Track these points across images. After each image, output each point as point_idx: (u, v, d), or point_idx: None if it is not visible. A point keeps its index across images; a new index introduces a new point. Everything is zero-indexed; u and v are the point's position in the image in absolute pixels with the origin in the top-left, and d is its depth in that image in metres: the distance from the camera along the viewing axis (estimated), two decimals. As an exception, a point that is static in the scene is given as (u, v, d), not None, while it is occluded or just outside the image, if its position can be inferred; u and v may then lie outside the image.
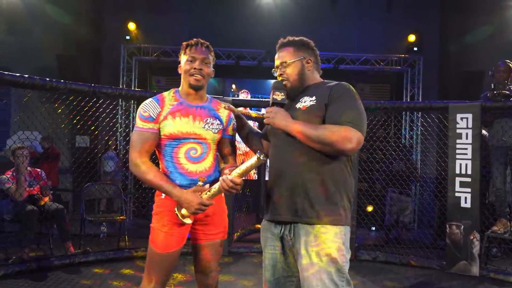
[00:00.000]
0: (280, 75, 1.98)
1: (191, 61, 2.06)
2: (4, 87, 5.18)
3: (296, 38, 2.03)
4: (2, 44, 7.38)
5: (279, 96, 1.90)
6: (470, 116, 4.55)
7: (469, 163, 4.51)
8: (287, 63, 1.97)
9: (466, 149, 4.54)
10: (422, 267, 4.70)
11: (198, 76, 2.05)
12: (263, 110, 8.05)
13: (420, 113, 6.93)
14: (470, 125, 4.54)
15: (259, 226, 6.14)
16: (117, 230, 5.35)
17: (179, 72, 2.13)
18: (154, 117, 2.03)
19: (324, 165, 1.82)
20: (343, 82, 1.90)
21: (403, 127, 7.78)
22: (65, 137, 5.91)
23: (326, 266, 1.75)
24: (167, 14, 8.01)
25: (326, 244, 1.76)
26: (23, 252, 4.22)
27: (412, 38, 7.93)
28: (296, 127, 1.79)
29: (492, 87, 4.54)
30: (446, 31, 8.19)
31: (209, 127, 2.10)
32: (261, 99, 6.38)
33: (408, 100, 7.95)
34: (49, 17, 7.39)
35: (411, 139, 7.64)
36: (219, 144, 2.23)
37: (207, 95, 2.21)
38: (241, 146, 6.58)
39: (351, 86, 1.89)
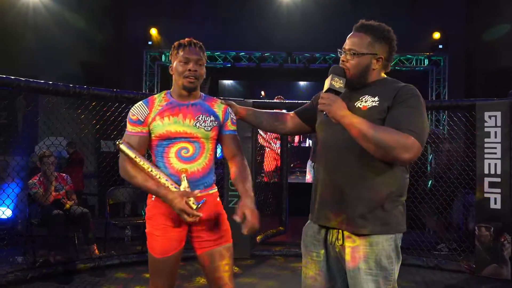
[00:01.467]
0: (342, 61, 1.77)
1: (185, 62, 1.98)
2: (32, 94, 5.34)
3: (379, 25, 1.78)
4: (29, 53, 7.58)
5: (338, 83, 1.69)
6: (498, 114, 4.40)
7: (499, 162, 4.36)
8: (356, 52, 1.74)
9: (495, 148, 4.39)
10: (450, 270, 4.56)
11: (192, 78, 1.99)
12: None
13: (446, 112, 6.76)
14: (499, 124, 4.38)
15: (282, 228, 6.11)
16: (141, 233, 5.40)
17: (170, 73, 2.07)
18: (142, 120, 1.99)
19: (380, 168, 1.67)
20: (411, 85, 1.73)
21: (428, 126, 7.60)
22: (90, 142, 6.02)
23: (374, 274, 1.67)
24: (188, 19, 8.07)
25: (374, 251, 1.67)
26: (50, 256, 4.30)
27: (436, 35, 7.76)
28: (354, 121, 1.61)
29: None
30: (472, 27, 7.98)
31: (200, 124, 2.00)
32: (283, 101, 6.34)
33: (434, 99, 7.77)
34: (73, 24, 7.56)
35: (438, 139, 7.45)
36: (220, 142, 2.12)
37: (201, 93, 2.12)
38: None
39: (418, 91, 1.72)
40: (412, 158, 1.60)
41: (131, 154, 1.94)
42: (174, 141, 1.99)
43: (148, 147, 2.07)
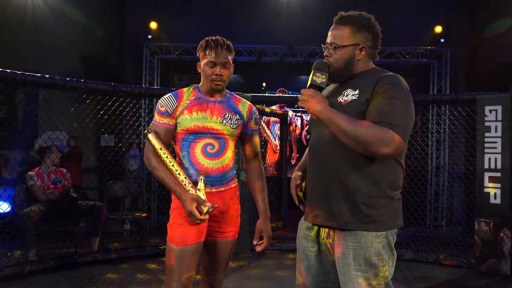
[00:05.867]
0: (326, 56, 1.75)
1: (211, 66, 2.00)
2: (32, 88, 5.32)
3: (358, 15, 1.74)
4: (29, 48, 7.55)
5: (319, 79, 1.67)
6: (499, 108, 4.36)
7: (499, 157, 4.32)
8: (337, 46, 1.72)
9: (496, 142, 4.36)
10: (449, 265, 4.54)
11: (219, 81, 2.02)
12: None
13: (447, 106, 6.72)
14: (499, 118, 4.35)
15: (281, 223, 6.09)
16: (140, 228, 5.40)
17: (199, 70, 2.08)
18: (171, 112, 2.02)
19: (366, 164, 1.62)
20: (393, 74, 1.66)
21: (429, 121, 7.55)
22: (87, 137, 6.00)
23: (363, 271, 1.63)
24: (188, 12, 8.01)
25: (364, 248, 1.63)
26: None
27: (438, 29, 7.66)
28: (332, 116, 1.58)
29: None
30: (475, 21, 7.89)
31: (227, 122, 2.05)
32: (281, 95, 6.31)
33: (435, 93, 7.71)
34: (72, 19, 7.52)
35: (438, 134, 7.42)
36: (242, 141, 2.19)
37: (227, 90, 2.16)
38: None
39: (401, 80, 1.64)
40: (393, 152, 1.55)
41: (157, 145, 1.98)
42: (201, 136, 2.03)
43: (173, 140, 2.10)
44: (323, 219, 1.72)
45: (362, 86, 1.66)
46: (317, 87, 1.68)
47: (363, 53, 1.73)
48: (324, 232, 1.76)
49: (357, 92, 1.66)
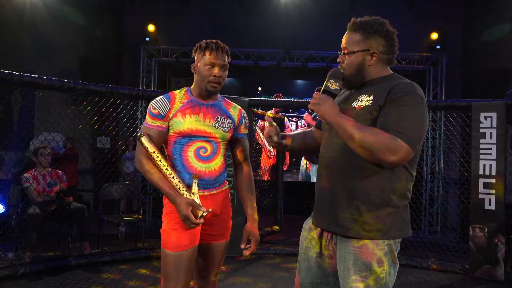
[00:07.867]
0: (339, 62, 1.77)
1: (210, 66, 2.00)
2: (28, 89, 5.30)
3: (370, 20, 1.73)
4: (26, 48, 7.54)
5: (333, 85, 1.69)
6: (494, 115, 4.39)
7: (494, 163, 4.35)
8: (348, 51, 1.73)
9: (490, 149, 4.39)
10: (444, 271, 4.55)
11: (216, 84, 2.02)
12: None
13: (443, 112, 6.76)
14: (494, 124, 4.38)
15: (277, 227, 6.10)
16: (135, 230, 5.38)
17: (193, 71, 2.07)
18: (164, 115, 2.01)
19: (375, 171, 1.61)
20: (409, 82, 1.65)
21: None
22: (84, 138, 5.99)
23: (363, 276, 1.63)
24: (185, 16, 8.03)
25: (364, 254, 1.63)
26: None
27: (434, 35, 7.72)
28: (341, 122, 1.58)
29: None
30: (470, 28, 7.96)
31: (219, 125, 2.06)
32: (278, 99, 6.32)
33: (431, 99, 7.75)
34: (70, 20, 7.52)
35: (434, 140, 7.45)
36: (232, 144, 2.19)
37: (218, 94, 2.16)
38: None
39: (416, 88, 1.62)
40: (400, 160, 1.54)
41: (150, 148, 1.95)
42: (194, 139, 2.02)
43: (164, 143, 2.08)
44: (327, 223, 1.74)
45: (376, 92, 1.66)
46: (330, 93, 1.70)
47: (374, 58, 1.72)
48: (327, 235, 1.77)
49: (371, 98, 1.66)
